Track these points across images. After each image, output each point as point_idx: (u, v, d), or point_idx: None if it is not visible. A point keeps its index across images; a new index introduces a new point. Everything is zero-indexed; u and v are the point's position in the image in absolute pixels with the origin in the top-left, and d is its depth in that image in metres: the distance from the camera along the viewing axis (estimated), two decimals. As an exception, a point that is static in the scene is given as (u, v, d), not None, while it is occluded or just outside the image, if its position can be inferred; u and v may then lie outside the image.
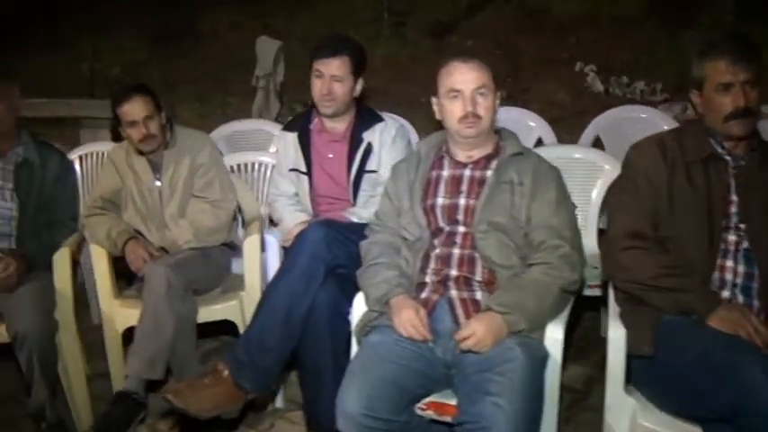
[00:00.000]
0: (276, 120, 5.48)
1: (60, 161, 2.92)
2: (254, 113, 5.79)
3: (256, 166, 3.53)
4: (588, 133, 3.88)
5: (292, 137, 2.93)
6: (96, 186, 2.94)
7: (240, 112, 6.40)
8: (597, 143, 3.83)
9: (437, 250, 2.20)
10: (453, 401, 2.03)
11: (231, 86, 7.17)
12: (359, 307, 2.29)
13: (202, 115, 6.13)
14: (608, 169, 3.00)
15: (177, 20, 8.98)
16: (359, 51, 2.78)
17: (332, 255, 2.38)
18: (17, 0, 9.65)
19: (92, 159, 3.94)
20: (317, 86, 2.74)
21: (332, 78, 2.71)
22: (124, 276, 3.00)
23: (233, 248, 3.04)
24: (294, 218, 2.84)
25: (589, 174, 3.06)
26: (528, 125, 3.78)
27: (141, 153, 2.87)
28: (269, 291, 2.41)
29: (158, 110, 2.81)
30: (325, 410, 2.42)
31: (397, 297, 2.14)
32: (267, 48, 5.84)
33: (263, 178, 3.50)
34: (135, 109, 2.75)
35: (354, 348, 2.24)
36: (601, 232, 2.92)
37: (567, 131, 4.39)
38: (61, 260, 2.75)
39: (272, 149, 4.26)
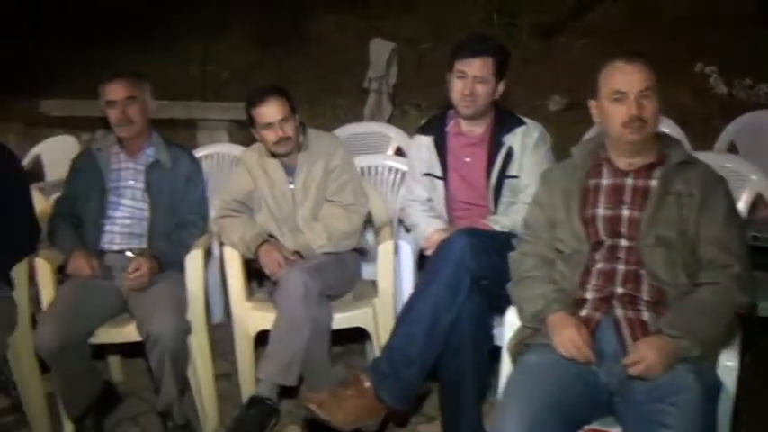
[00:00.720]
0: (388, 122, 5.42)
1: (191, 162, 2.91)
2: (366, 116, 5.74)
3: (379, 170, 3.45)
4: (723, 140, 3.62)
5: (427, 140, 2.83)
6: (228, 188, 2.92)
7: (350, 114, 6.39)
8: (731, 150, 3.57)
9: (599, 265, 2.04)
10: (616, 430, 1.89)
11: (340, 88, 7.17)
12: (511, 322, 2.16)
13: (313, 117, 6.12)
14: (754, 180, 2.79)
15: (284, 22, 9.09)
16: (502, 52, 2.66)
17: (477, 265, 2.27)
18: (132, 4, 10.02)
19: (211, 161, 3.97)
20: (459, 87, 2.63)
21: (474, 79, 2.60)
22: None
23: (362, 254, 2.97)
24: (430, 224, 2.73)
25: (735, 185, 2.81)
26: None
27: (274, 155, 2.83)
28: (413, 300, 2.32)
29: (293, 112, 2.77)
30: (464, 425, 2.33)
31: (556, 314, 2.00)
32: (381, 50, 5.77)
33: (386, 182, 3.42)
34: (271, 111, 2.71)
35: (507, 366, 2.13)
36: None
37: (695, 137, 4.14)
38: (194, 261, 2.73)
39: (390, 152, 4.23)
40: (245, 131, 4.90)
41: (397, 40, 6.21)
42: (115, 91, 2.75)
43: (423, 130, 2.90)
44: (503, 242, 2.35)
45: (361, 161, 3.38)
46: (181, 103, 4.87)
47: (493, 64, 2.61)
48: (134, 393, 3.09)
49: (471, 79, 2.60)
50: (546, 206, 2.22)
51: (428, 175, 2.83)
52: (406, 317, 2.30)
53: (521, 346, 2.06)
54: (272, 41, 8.74)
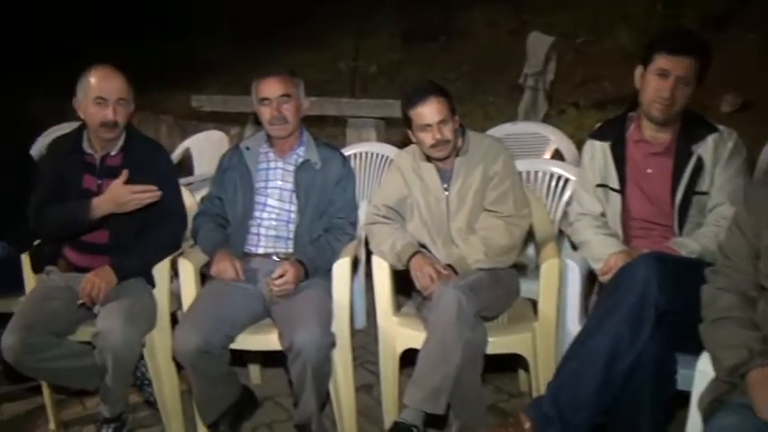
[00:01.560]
0: (543, 122, 5.08)
1: (342, 164, 2.74)
2: (520, 115, 5.42)
3: (539, 176, 3.16)
4: None
5: (603, 146, 2.50)
6: (380, 193, 2.72)
7: (501, 113, 6.09)
8: None
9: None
10: None
11: (491, 86, 6.90)
12: (703, 372, 1.82)
13: (462, 116, 5.85)
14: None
15: (433, 18, 8.91)
16: (708, 53, 2.28)
17: (665, 298, 1.94)
18: (285, 2, 10.19)
19: (359, 160, 3.82)
20: (656, 86, 2.28)
21: (678, 80, 2.25)
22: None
23: (520, 269, 2.69)
24: (605, 244, 2.40)
25: None
26: None
27: (429, 159, 2.60)
28: (588, 332, 2.03)
29: (452, 113, 2.53)
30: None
31: (760, 369, 1.66)
32: (539, 44, 5.43)
33: (549, 190, 3.11)
34: (430, 111, 2.49)
35: (695, 423, 1.79)
36: None
37: None
38: (341, 270, 2.56)
39: (547, 155, 3.90)
40: (393, 130, 4.77)
41: (552, 34, 5.85)
42: (270, 88, 2.62)
43: (598, 135, 2.57)
44: (694, 271, 1.99)
45: (518, 165, 3.09)
46: (332, 100, 4.76)
47: (698, 65, 2.26)
48: (271, 398, 2.98)
49: (674, 79, 2.25)
50: (748, 232, 1.86)
51: (602, 186, 2.51)
52: (577, 352, 2.02)
53: (715, 404, 1.72)
54: (420, 37, 8.58)
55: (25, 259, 2.76)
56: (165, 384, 2.68)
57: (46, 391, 2.82)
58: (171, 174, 2.76)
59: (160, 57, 10.19)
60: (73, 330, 2.58)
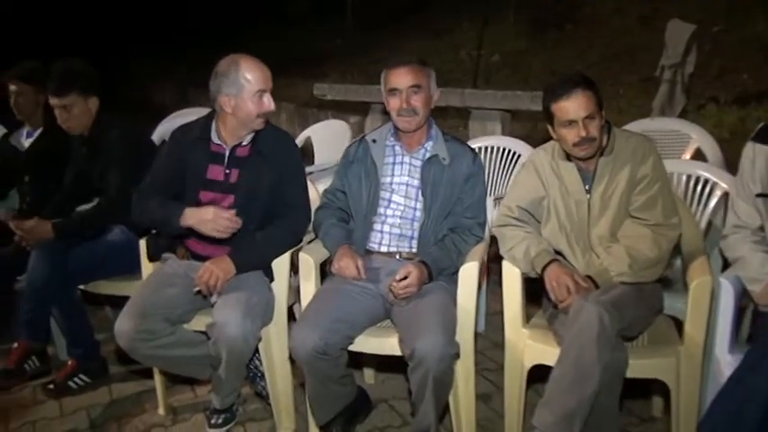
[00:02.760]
0: (680, 117, 4.72)
1: (472, 160, 2.57)
2: (656, 110, 5.07)
3: (682, 179, 2.88)
4: None
5: (766, 151, 2.22)
6: (513, 193, 2.53)
7: (632, 106, 5.73)
8: None
9: None
10: None
11: (621, 77, 6.51)
12: None
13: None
14: None
15: (557, 6, 8.55)
16: None
17: None
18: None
19: (484, 154, 3.63)
20: None
21: None
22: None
23: (665, 284, 2.44)
24: (764, 263, 2.14)
25: None
26: None
27: (569, 158, 2.39)
28: (747, 369, 1.80)
29: (600, 108, 2.31)
30: None
31: None
32: (678, 33, 5.04)
33: (692, 196, 2.83)
34: (575, 106, 2.27)
35: None
36: None
37: None
38: (468, 274, 2.40)
39: (687, 155, 3.58)
40: (517, 123, 4.56)
41: (689, 23, 5.43)
42: (400, 78, 2.49)
43: (761, 138, 2.29)
44: None
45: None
46: (454, 90, 4.57)
47: None
48: (385, 401, 2.88)
49: None
50: None
51: (763, 196, 2.23)
52: (734, 391, 1.80)
53: None
54: (544, 25, 8.25)
55: (142, 245, 2.77)
56: (279, 379, 2.62)
57: (158, 376, 2.83)
58: (298, 166, 2.68)
59: (279, 44, 10.31)
60: (188, 319, 2.56)
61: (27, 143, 3.46)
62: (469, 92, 4.56)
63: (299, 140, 4.23)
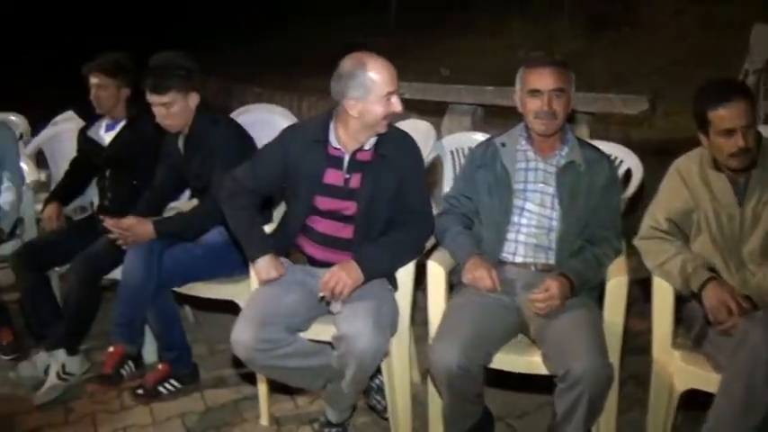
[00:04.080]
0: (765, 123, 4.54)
1: (609, 167, 2.43)
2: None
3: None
4: None
5: None
6: (658, 204, 2.36)
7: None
8: None
9: None
10: None
11: (687, 81, 6.32)
12: None
13: (666, 116, 5.38)
14: None
15: (613, 7, 8.36)
16: None
17: None
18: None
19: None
20: None
21: None
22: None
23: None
24: None
25: None
26: None
27: (719, 167, 2.24)
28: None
29: (754, 118, 2.16)
30: None
31: None
32: (763, 38, 4.85)
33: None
34: (734, 114, 2.11)
35: None
36: None
37: None
38: (617, 290, 2.24)
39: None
40: (600, 125, 4.39)
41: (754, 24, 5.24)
42: (543, 79, 2.34)
43: None
44: None
45: None
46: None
47: None
48: (501, 419, 2.70)
49: None
50: None
51: None
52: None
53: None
54: (600, 27, 8.06)
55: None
56: (399, 394, 2.49)
57: (262, 385, 2.70)
58: (420, 169, 2.53)
59: (320, 41, 10.18)
60: (305, 327, 2.43)
61: (107, 137, 3.34)
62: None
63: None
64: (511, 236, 2.39)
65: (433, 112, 4.89)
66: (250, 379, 2.90)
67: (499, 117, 5.31)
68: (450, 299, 2.41)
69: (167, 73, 2.78)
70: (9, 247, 3.41)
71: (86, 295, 2.97)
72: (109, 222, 2.81)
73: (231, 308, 2.74)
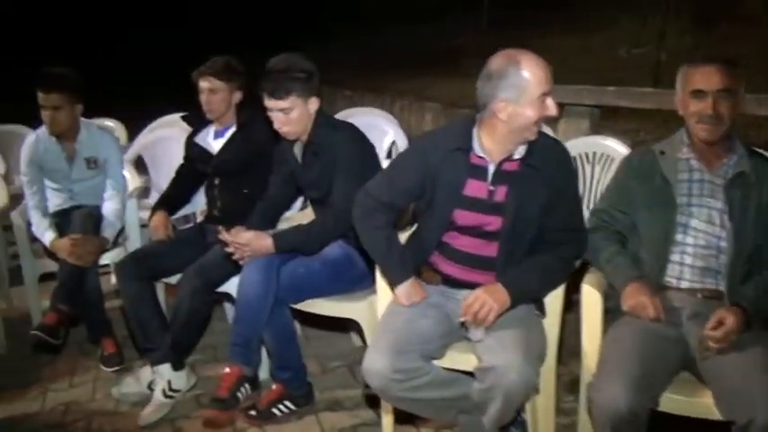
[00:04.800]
0: None
1: None
2: None
3: None
4: None
5: None
6: None
7: None
8: None
9: None
10: None
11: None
12: None
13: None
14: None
15: (718, 2, 7.87)
16: None
17: None
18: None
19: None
20: None
21: None
22: None
23: None
24: None
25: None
26: None
27: None
28: None
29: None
30: None
31: None
32: None
33: None
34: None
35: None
36: None
37: None
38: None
39: None
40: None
41: None
42: (708, 79, 2.07)
43: None
44: None
45: None
46: (656, 91, 4.05)
47: None
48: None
49: None
50: None
51: None
52: None
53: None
54: (708, 22, 7.58)
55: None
56: (542, 428, 2.25)
57: (388, 416, 2.50)
58: (573, 180, 2.29)
59: (409, 40, 9.99)
60: (440, 355, 2.22)
61: (216, 144, 3.21)
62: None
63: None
64: (675, 257, 2.13)
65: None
66: (369, 402, 2.73)
67: (609, 119, 5.02)
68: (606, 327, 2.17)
69: (287, 76, 2.60)
70: (112, 256, 3.36)
71: (197, 308, 2.85)
72: (226, 236, 2.66)
73: (341, 324, 2.57)
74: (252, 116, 3.14)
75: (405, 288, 2.25)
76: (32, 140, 3.40)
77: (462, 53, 8.74)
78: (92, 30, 14.89)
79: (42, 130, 3.37)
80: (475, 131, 2.20)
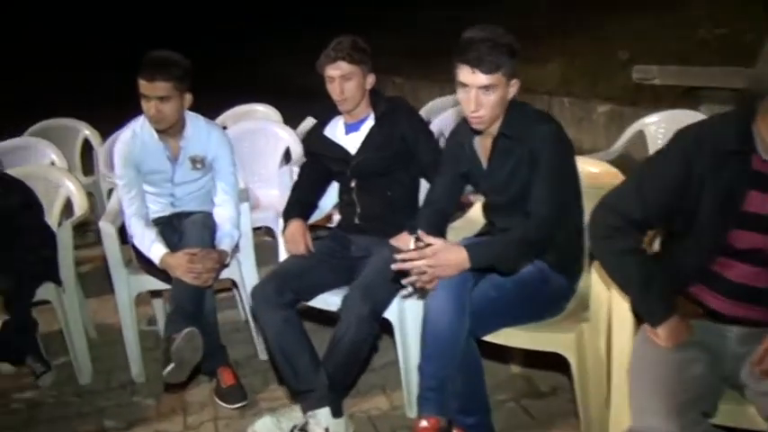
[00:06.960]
0: None
1: None
2: None
3: None
4: None
5: None
6: None
7: None
8: None
9: None
10: None
11: None
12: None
13: None
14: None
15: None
16: None
17: None
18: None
19: None
20: None
21: None
22: None
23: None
24: None
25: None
26: None
27: None
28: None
29: None
30: None
31: None
32: None
33: None
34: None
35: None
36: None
37: None
38: None
39: None
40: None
41: None
42: None
43: None
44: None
45: None
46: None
47: None
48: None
49: None
50: None
51: None
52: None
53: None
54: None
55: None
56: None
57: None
58: None
59: (457, 29, 9.44)
60: (713, 414, 1.72)
61: (350, 140, 2.72)
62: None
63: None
64: None
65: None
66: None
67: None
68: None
69: (496, 49, 2.09)
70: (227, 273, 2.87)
71: (364, 339, 2.38)
72: (414, 252, 2.15)
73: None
74: (391, 106, 2.69)
75: (669, 327, 1.77)
76: (128, 137, 2.85)
77: (524, 37, 8.23)
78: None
79: (140, 124, 2.85)
80: (754, 129, 1.69)
